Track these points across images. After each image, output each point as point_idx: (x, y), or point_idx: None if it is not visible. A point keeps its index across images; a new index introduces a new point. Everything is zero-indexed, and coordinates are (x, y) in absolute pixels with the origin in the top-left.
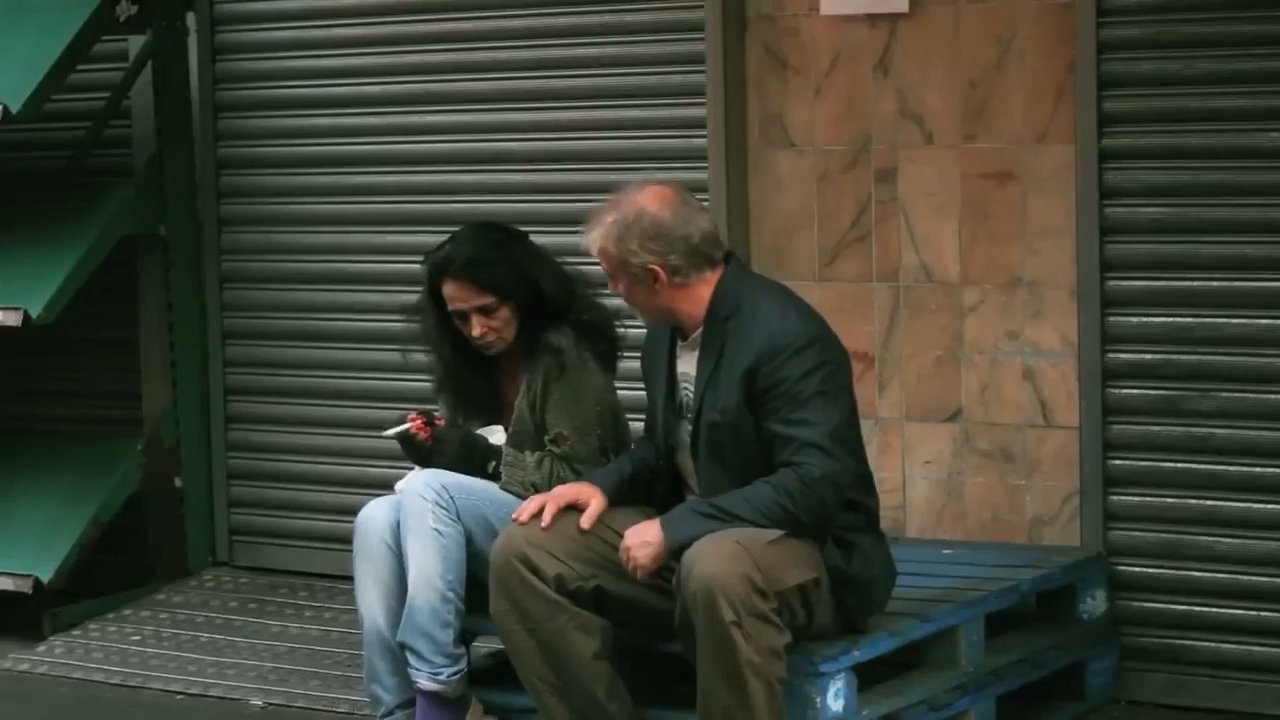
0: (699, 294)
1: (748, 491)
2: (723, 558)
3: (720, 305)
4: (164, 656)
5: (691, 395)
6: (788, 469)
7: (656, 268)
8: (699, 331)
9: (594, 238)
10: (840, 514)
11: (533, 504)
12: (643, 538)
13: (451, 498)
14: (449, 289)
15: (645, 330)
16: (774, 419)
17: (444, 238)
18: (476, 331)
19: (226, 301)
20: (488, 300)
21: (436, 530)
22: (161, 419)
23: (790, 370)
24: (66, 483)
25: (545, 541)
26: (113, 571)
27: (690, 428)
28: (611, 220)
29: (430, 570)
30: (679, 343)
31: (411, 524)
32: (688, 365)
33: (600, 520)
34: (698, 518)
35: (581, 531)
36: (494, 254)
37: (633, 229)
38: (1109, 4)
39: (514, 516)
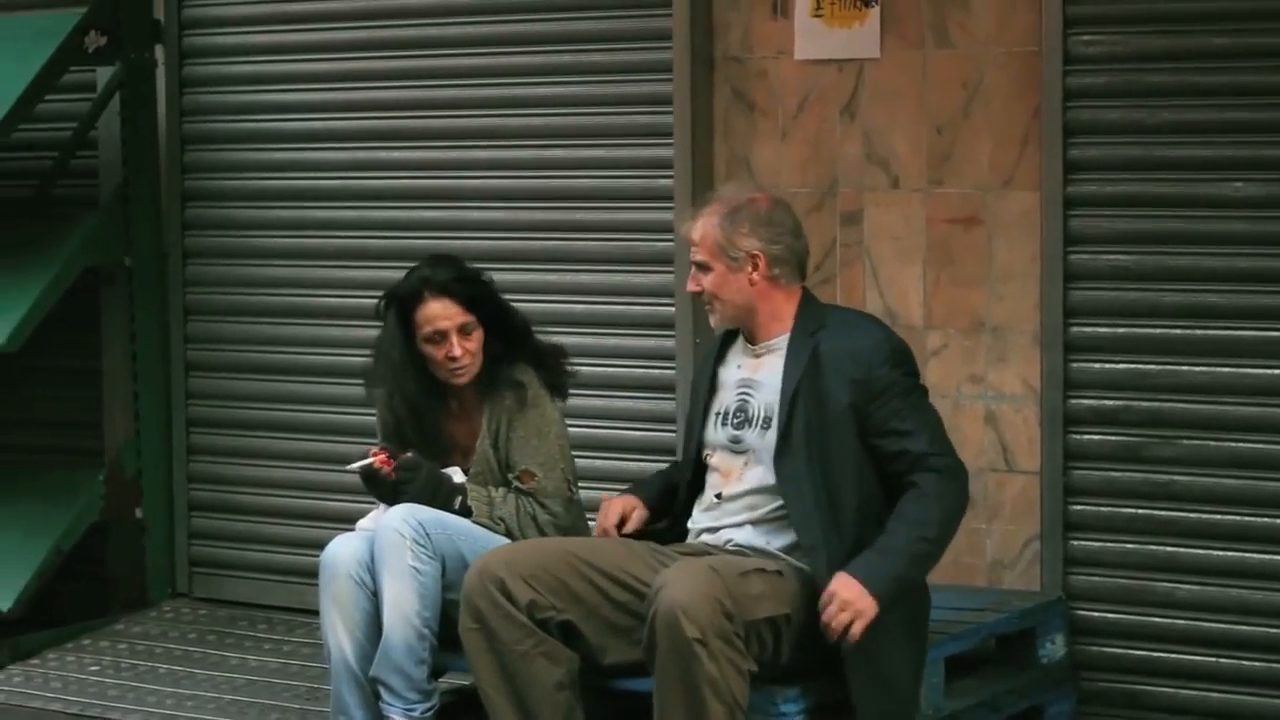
0: (782, 301)
1: (910, 515)
2: (694, 581)
3: (807, 319)
4: (123, 687)
5: (755, 402)
6: (928, 474)
7: (759, 254)
8: (777, 340)
9: (700, 223)
10: None
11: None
12: (855, 607)
13: (428, 534)
14: (433, 307)
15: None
16: (896, 418)
17: (404, 274)
18: (456, 352)
19: (190, 333)
20: (469, 319)
21: (414, 568)
22: (123, 449)
23: (897, 373)
24: (27, 512)
25: (522, 569)
26: (72, 601)
27: (741, 432)
28: (722, 208)
29: (407, 607)
30: (741, 350)
31: (389, 560)
32: (751, 372)
33: (581, 558)
34: (888, 565)
35: (568, 564)
36: (475, 278)
37: (745, 214)
38: (1075, 52)
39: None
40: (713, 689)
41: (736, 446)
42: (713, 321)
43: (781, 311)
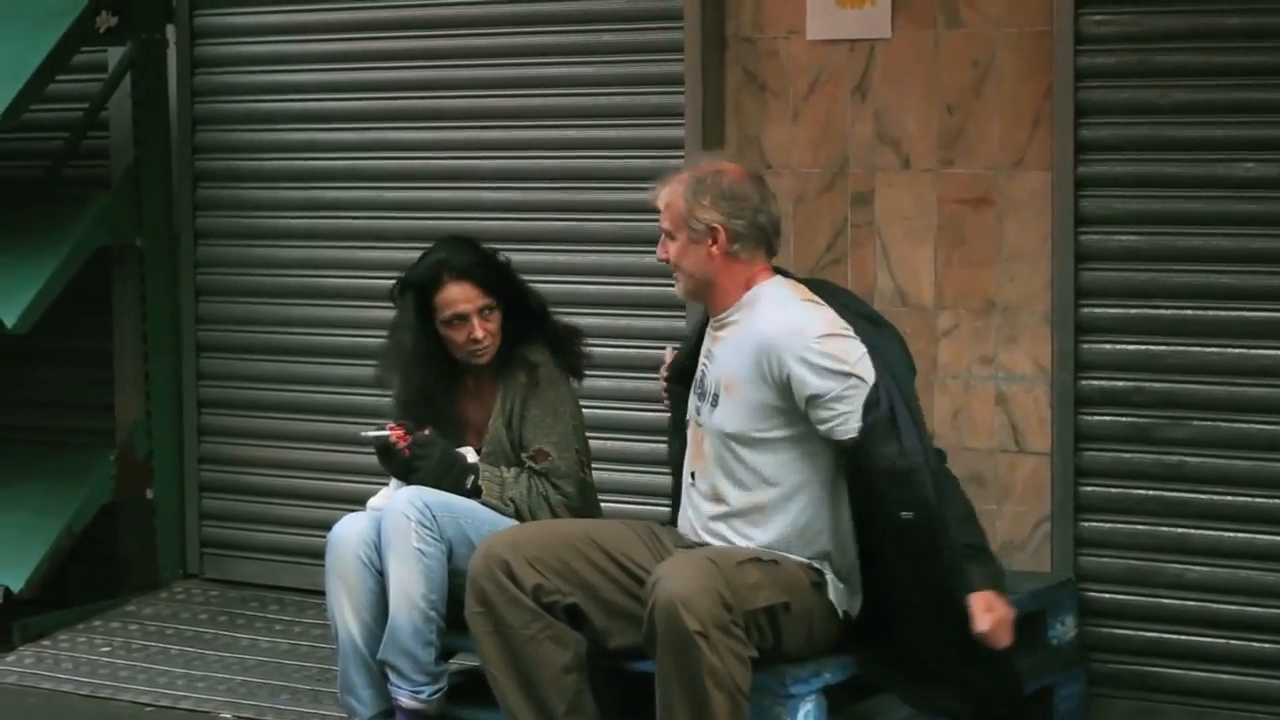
0: (744, 275)
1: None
2: (693, 573)
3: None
4: (134, 668)
5: (710, 375)
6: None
7: (719, 227)
8: (729, 313)
9: (665, 191)
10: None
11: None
12: (1002, 618)
13: (434, 516)
14: (452, 291)
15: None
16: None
17: (418, 255)
18: (479, 334)
19: (201, 314)
20: (489, 300)
21: (419, 550)
22: (134, 430)
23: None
24: (38, 493)
25: (527, 552)
26: (83, 582)
27: (701, 404)
28: (689, 176)
29: (413, 589)
30: (709, 321)
31: (394, 542)
32: (711, 344)
33: (585, 541)
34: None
35: (572, 547)
36: (492, 260)
37: (709, 186)
38: (1087, 32)
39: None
40: (714, 679)
41: (698, 418)
42: (677, 290)
43: (737, 286)
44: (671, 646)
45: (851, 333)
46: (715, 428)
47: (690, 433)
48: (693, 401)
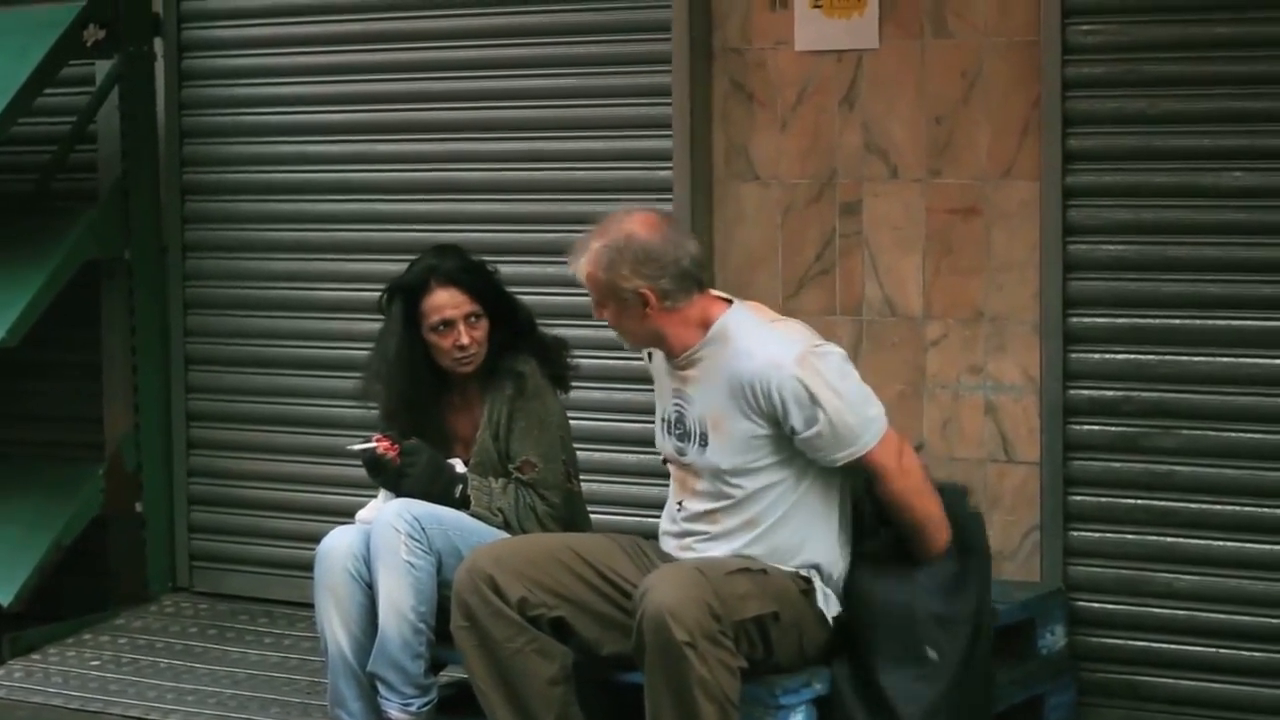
0: (687, 316)
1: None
2: (681, 583)
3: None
4: (123, 681)
5: (690, 416)
6: None
7: (647, 292)
8: (694, 351)
9: (582, 264)
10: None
11: None
12: None
13: (423, 528)
14: (440, 296)
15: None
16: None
17: (406, 267)
18: (464, 340)
19: (189, 327)
20: (476, 308)
21: (409, 562)
22: (123, 443)
23: None
24: (27, 506)
25: (512, 566)
26: (73, 595)
27: (684, 444)
28: (600, 246)
29: (402, 602)
30: (668, 362)
31: (383, 555)
32: (681, 384)
33: (569, 554)
34: None
35: (557, 560)
36: (480, 268)
37: (624, 254)
38: (1074, 42)
39: None
40: (703, 690)
41: (683, 459)
42: (627, 347)
43: (690, 327)
44: (660, 657)
45: (823, 339)
46: (710, 466)
47: (674, 471)
48: (670, 442)
